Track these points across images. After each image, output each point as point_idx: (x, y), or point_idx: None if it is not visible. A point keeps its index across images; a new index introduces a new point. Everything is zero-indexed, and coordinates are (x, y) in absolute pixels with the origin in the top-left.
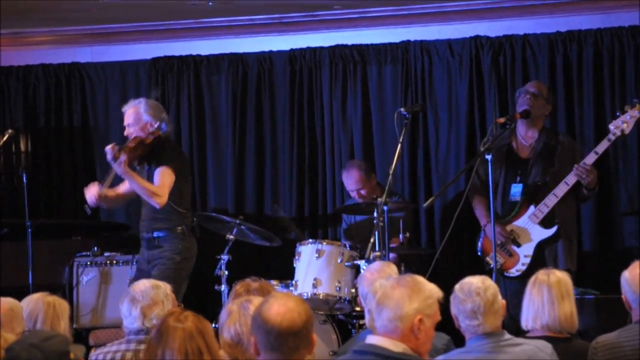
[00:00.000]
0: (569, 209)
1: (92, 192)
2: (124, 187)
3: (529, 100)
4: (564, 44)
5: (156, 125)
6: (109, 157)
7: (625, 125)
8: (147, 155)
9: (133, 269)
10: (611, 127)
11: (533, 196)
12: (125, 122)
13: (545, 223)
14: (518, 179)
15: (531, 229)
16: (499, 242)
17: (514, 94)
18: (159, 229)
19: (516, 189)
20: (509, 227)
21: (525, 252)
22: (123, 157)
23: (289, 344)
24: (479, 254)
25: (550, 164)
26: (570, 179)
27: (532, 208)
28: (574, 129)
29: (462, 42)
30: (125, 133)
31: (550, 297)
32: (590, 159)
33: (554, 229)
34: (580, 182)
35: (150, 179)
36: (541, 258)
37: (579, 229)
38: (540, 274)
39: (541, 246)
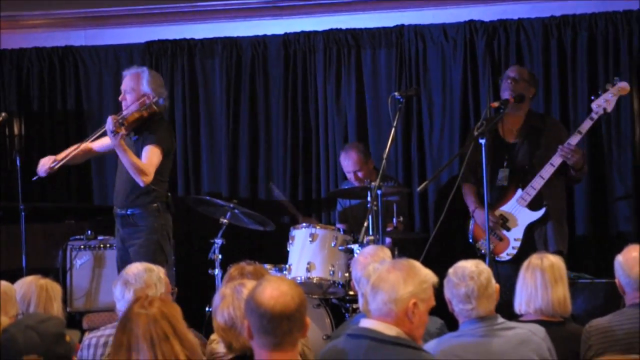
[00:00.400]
0: (557, 190)
1: (45, 164)
2: (99, 145)
3: (510, 85)
4: (558, 29)
5: (154, 100)
6: (109, 127)
7: (607, 103)
8: (140, 128)
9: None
10: (593, 105)
11: (520, 180)
12: (123, 87)
13: (533, 205)
14: (505, 163)
15: (519, 212)
16: (490, 225)
17: None
18: (135, 205)
19: (503, 174)
20: (497, 212)
21: (515, 236)
22: (122, 132)
23: (283, 327)
24: (470, 241)
25: (537, 146)
26: (556, 160)
27: (519, 191)
28: (568, 113)
29: (457, 27)
30: (120, 98)
31: (543, 281)
32: (575, 139)
33: (542, 211)
34: (567, 163)
35: (138, 151)
36: (531, 241)
37: (573, 213)
38: (534, 258)
39: (530, 229)
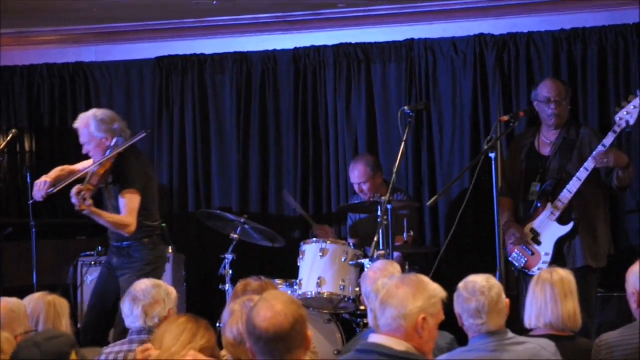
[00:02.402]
0: (591, 203)
1: (40, 189)
2: (83, 167)
3: (555, 110)
4: (568, 42)
5: (113, 142)
6: (74, 202)
7: (629, 116)
8: (112, 173)
9: None
10: (616, 118)
11: (551, 193)
12: (81, 141)
13: (562, 220)
14: (538, 177)
15: (550, 226)
16: (512, 241)
17: (518, 92)
18: (129, 239)
19: (535, 188)
20: (529, 226)
21: (545, 250)
22: (88, 202)
23: (280, 348)
24: (509, 258)
25: (568, 159)
26: (590, 164)
27: (549, 206)
28: None
29: (467, 40)
30: (84, 151)
31: (553, 296)
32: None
33: (570, 226)
34: (610, 170)
35: (116, 193)
36: (561, 255)
37: None
38: (544, 273)
39: (560, 243)
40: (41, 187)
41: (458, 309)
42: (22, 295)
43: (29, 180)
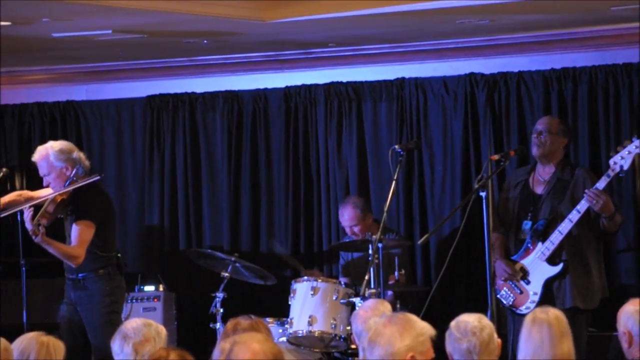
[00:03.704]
0: (581, 244)
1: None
2: (43, 193)
3: (536, 140)
4: (558, 81)
5: (73, 172)
6: (28, 227)
7: (623, 160)
8: (68, 204)
9: (128, 306)
10: (610, 162)
11: (542, 233)
12: (41, 173)
13: (552, 260)
14: (529, 215)
15: (539, 266)
16: (503, 277)
17: (509, 131)
18: (84, 270)
19: (526, 226)
20: (519, 264)
21: (534, 290)
22: (42, 230)
23: None
24: (498, 295)
25: (561, 199)
26: (582, 206)
27: (539, 245)
28: None
29: (457, 79)
30: (44, 183)
31: (550, 336)
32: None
33: (559, 267)
34: (598, 214)
35: (71, 225)
36: (550, 295)
37: None
38: (539, 312)
39: (550, 283)
40: None
41: (449, 348)
42: (12, 334)
43: (18, 218)
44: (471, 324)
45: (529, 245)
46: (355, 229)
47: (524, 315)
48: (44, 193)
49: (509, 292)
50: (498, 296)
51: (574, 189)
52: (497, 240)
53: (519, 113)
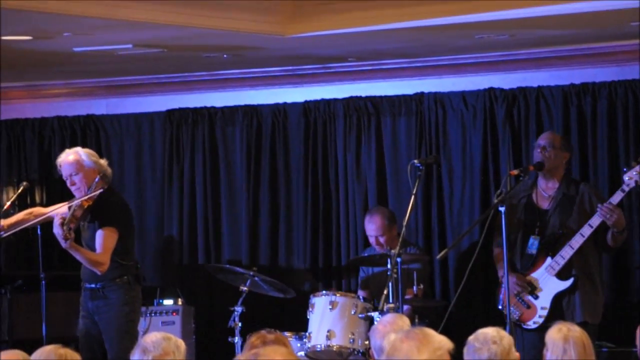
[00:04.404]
0: (589, 259)
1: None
2: (53, 209)
3: (539, 154)
4: (577, 96)
5: (97, 179)
6: (58, 232)
7: (638, 176)
8: (92, 211)
9: (147, 320)
10: (625, 178)
11: (550, 248)
12: (67, 173)
13: (561, 275)
14: (537, 231)
15: (548, 281)
16: (515, 292)
17: (528, 146)
18: (104, 279)
19: (533, 241)
20: (528, 278)
21: (542, 305)
22: (72, 234)
23: None
24: (499, 306)
25: (568, 215)
26: (594, 221)
27: (549, 260)
28: (588, 181)
29: (476, 94)
30: (69, 183)
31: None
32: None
33: (570, 281)
34: (607, 229)
35: (92, 234)
36: (559, 310)
37: None
38: (568, 330)
39: (559, 298)
40: None
41: None
42: (31, 348)
43: (39, 232)
44: (490, 334)
45: (537, 259)
46: (381, 239)
47: (531, 330)
48: (55, 208)
49: (515, 308)
50: (505, 311)
51: (580, 204)
52: (501, 256)
53: (538, 128)
